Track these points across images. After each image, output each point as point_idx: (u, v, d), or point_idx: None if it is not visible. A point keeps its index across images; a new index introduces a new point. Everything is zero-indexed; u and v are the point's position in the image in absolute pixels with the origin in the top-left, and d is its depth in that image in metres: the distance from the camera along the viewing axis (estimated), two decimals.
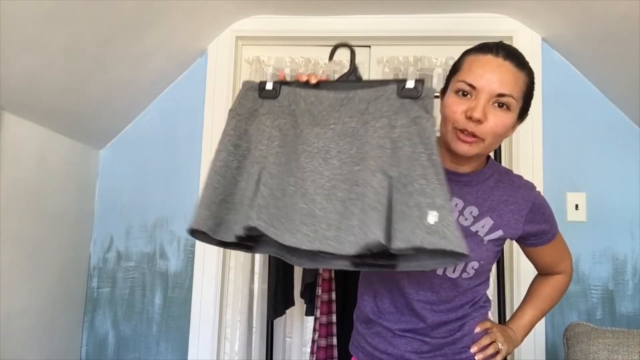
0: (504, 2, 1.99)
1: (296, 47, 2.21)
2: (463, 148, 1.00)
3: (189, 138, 2.16)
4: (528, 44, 2.08)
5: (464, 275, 1.06)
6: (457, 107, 0.99)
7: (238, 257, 2.14)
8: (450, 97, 1.02)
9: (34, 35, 1.48)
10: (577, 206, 2.01)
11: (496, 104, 0.98)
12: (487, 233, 1.08)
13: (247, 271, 2.13)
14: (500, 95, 0.97)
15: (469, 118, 0.96)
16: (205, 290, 2.07)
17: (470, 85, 0.98)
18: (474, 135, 0.98)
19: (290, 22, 2.14)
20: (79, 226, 2.09)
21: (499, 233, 1.08)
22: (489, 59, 1.00)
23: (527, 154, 2.03)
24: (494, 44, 1.02)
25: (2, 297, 1.64)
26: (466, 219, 1.07)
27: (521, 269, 1.98)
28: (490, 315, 1.23)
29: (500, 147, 1.81)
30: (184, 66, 2.19)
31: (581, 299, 1.98)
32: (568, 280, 1.28)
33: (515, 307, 1.96)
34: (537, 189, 1.15)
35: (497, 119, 0.98)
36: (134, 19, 1.71)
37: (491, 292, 2.03)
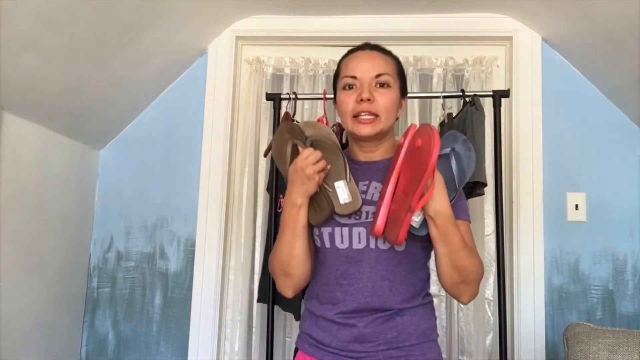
0: (504, 2, 1.99)
1: (296, 47, 2.21)
2: (365, 129, 1.14)
3: (189, 138, 2.16)
4: (528, 44, 2.08)
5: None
6: (348, 98, 1.15)
7: (238, 257, 2.14)
8: (340, 95, 1.18)
9: (34, 35, 1.48)
10: (577, 206, 2.01)
11: (378, 85, 1.14)
12: None
13: (247, 271, 2.13)
14: (378, 75, 1.14)
15: (361, 101, 1.12)
16: (205, 290, 2.07)
17: (352, 77, 1.16)
18: (370, 113, 1.13)
19: (290, 22, 2.14)
20: (79, 226, 2.09)
21: None
22: (359, 53, 1.19)
23: (527, 154, 2.03)
24: (361, 45, 1.22)
25: (2, 297, 1.64)
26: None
27: (521, 269, 1.98)
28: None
29: (500, 146, 1.80)
30: (184, 66, 2.19)
31: (581, 299, 1.98)
32: (479, 259, 1.11)
33: (516, 307, 1.97)
34: None
35: (383, 96, 1.14)
36: (134, 19, 1.71)
37: (491, 291, 2.03)
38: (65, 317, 2.02)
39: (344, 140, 1.96)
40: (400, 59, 2.48)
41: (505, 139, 2.00)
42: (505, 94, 1.82)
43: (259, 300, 1.95)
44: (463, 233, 1.08)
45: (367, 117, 1.13)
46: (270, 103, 1.99)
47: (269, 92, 2.07)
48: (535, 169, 2.02)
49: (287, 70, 2.21)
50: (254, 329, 2.10)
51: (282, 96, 1.94)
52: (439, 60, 2.13)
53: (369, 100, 1.12)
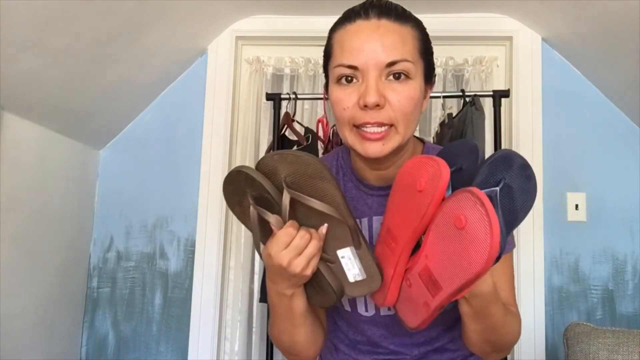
0: (504, 2, 1.99)
1: (296, 47, 2.21)
2: (375, 148, 0.76)
3: (189, 138, 2.16)
4: (528, 44, 2.08)
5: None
6: (346, 99, 0.76)
7: (238, 257, 2.14)
8: (333, 90, 0.79)
9: (34, 35, 1.48)
10: (577, 206, 2.01)
11: (391, 77, 0.75)
12: None
13: (247, 271, 2.13)
14: (391, 64, 0.75)
15: (366, 107, 0.74)
16: (205, 290, 2.07)
17: (350, 67, 0.76)
18: (380, 124, 0.75)
19: (290, 22, 2.14)
20: (79, 226, 2.09)
21: None
22: (359, 25, 0.78)
23: (527, 154, 2.03)
24: (361, 5, 0.80)
25: (2, 297, 1.64)
26: None
27: (521, 268, 1.98)
28: None
29: (500, 146, 1.80)
30: (184, 66, 2.19)
31: (581, 299, 1.97)
32: (520, 321, 0.86)
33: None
34: None
35: (399, 95, 0.75)
36: (134, 19, 1.71)
37: None
38: (65, 317, 2.02)
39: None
40: None
41: (505, 139, 2.00)
42: (505, 94, 1.82)
43: (261, 300, 1.95)
44: (502, 277, 0.83)
45: (375, 130, 0.75)
46: (270, 103, 1.99)
47: (269, 92, 2.06)
48: (535, 169, 2.02)
49: (287, 70, 2.21)
50: (254, 329, 2.10)
51: (282, 96, 1.94)
52: (439, 60, 2.13)
53: (377, 105, 0.74)
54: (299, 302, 0.79)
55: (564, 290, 1.98)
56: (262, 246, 0.78)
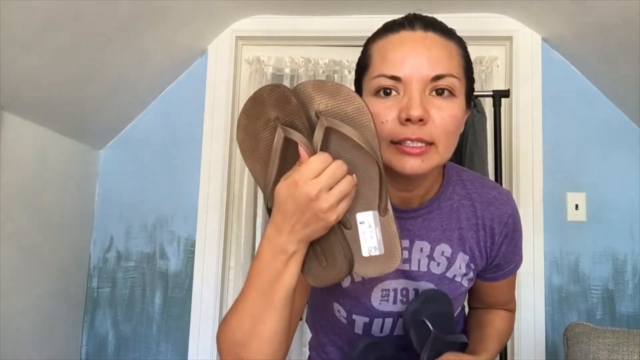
0: (504, 2, 1.98)
1: (296, 47, 2.21)
2: (413, 164, 0.70)
3: (189, 138, 2.16)
4: (528, 44, 2.08)
5: None
6: (386, 112, 0.71)
7: (238, 257, 2.14)
8: (370, 102, 0.72)
9: (34, 35, 1.48)
10: (577, 206, 2.01)
11: (434, 92, 0.71)
12: (466, 274, 0.84)
13: (247, 271, 2.12)
14: (437, 77, 0.71)
15: (407, 121, 0.69)
16: (205, 290, 2.07)
17: (393, 78, 0.71)
18: (421, 140, 0.70)
19: (290, 22, 2.14)
20: (79, 226, 2.09)
21: (471, 268, 0.85)
22: (404, 36, 0.74)
23: (527, 154, 2.03)
24: (404, 17, 0.78)
25: (2, 297, 1.64)
26: (439, 264, 0.82)
27: (521, 268, 1.97)
28: None
29: (500, 146, 1.80)
30: (184, 66, 2.19)
31: (581, 299, 1.97)
32: (514, 318, 1.03)
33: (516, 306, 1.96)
34: (511, 201, 0.87)
35: (442, 112, 0.70)
36: (134, 19, 1.71)
37: None
38: (65, 317, 2.02)
39: None
40: None
41: (505, 139, 2.00)
42: (505, 94, 1.82)
43: None
44: (511, 282, 0.92)
45: (416, 145, 0.70)
46: None
47: None
48: (535, 169, 2.02)
49: (287, 70, 2.21)
50: None
51: None
52: None
53: (421, 120, 0.69)
54: (293, 271, 0.65)
55: (564, 290, 1.98)
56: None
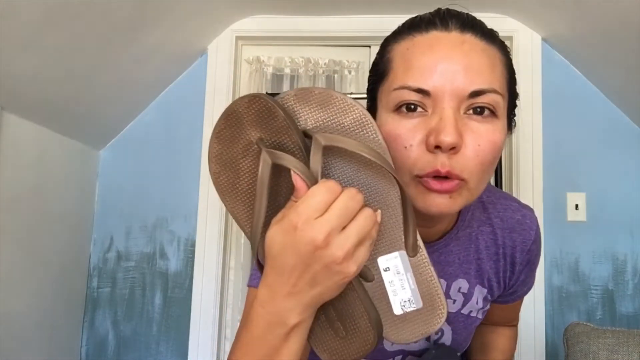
0: (504, 2, 1.98)
1: (296, 47, 2.21)
2: (440, 202, 0.55)
3: (189, 138, 2.16)
4: (528, 44, 2.08)
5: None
6: (409, 135, 0.55)
7: (238, 257, 2.14)
8: (388, 121, 0.57)
9: (34, 35, 1.48)
10: (577, 206, 2.01)
11: (471, 111, 0.55)
12: (482, 308, 0.77)
13: (247, 271, 2.13)
14: (476, 93, 0.55)
15: (437, 148, 0.53)
16: (205, 290, 2.07)
17: (419, 91, 0.55)
18: (452, 175, 0.54)
19: (290, 22, 2.14)
20: (79, 226, 2.09)
21: (488, 300, 0.78)
22: (436, 37, 0.57)
23: (527, 154, 2.03)
24: (435, 12, 0.60)
25: (2, 297, 1.64)
26: (454, 302, 0.73)
27: None
28: None
29: None
30: (184, 66, 2.19)
31: (581, 299, 1.97)
32: (517, 332, 0.99)
33: None
34: (535, 224, 0.77)
35: (480, 138, 0.55)
36: (134, 19, 1.71)
37: None
38: (65, 317, 2.02)
39: None
40: None
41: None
42: None
43: None
44: (519, 302, 0.87)
45: (444, 181, 0.55)
46: None
47: (269, 92, 2.06)
48: (535, 169, 2.02)
49: (287, 70, 2.21)
50: None
51: None
52: None
53: (453, 148, 0.53)
54: (294, 348, 0.48)
55: (564, 290, 1.98)
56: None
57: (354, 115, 0.48)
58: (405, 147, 0.55)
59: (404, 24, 0.62)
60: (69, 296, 2.03)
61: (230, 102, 2.16)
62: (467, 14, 0.59)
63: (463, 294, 0.72)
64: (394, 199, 0.48)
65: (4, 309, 1.65)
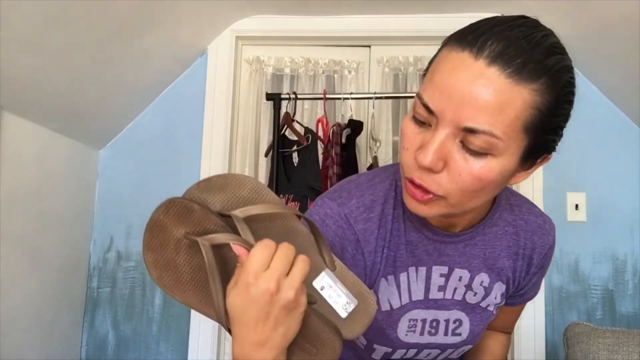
0: (503, 2, 1.98)
1: (296, 47, 2.21)
2: (416, 207, 0.62)
3: (189, 138, 2.16)
4: None
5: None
6: (410, 140, 0.60)
7: None
8: (406, 119, 0.62)
9: (34, 35, 1.48)
10: (577, 206, 2.01)
11: (462, 144, 0.58)
12: (499, 303, 0.81)
13: None
14: (470, 130, 0.56)
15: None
16: None
17: (426, 107, 0.58)
18: (425, 191, 0.60)
19: (290, 22, 2.14)
20: (79, 226, 2.09)
21: (504, 297, 0.82)
22: (462, 60, 0.57)
23: None
24: (484, 29, 0.58)
25: (2, 297, 1.64)
26: (475, 294, 0.78)
27: None
28: None
29: None
30: (184, 66, 2.19)
31: (581, 299, 1.97)
32: (510, 340, 1.01)
33: None
34: (553, 231, 0.83)
35: (463, 169, 0.57)
36: (134, 19, 1.71)
37: None
38: (65, 317, 2.02)
39: (343, 140, 1.95)
40: (400, 59, 2.45)
41: None
42: None
43: None
44: (522, 307, 0.89)
45: (419, 189, 0.60)
46: (270, 103, 1.99)
47: (269, 92, 2.06)
48: None
49: (287, 70, 2.21)
50: None
51: (282, 96, 1.94)
52: None
53: (429, 169, 0.58)
54: None
55: (564, 290, 1.98)
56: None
57: (250, 187, 0.58)
58: (405, 148, 0.61)
59: (462, 30, 0.61)
60: (69, 296, 2.03)
61: (230, 101, 2.17)
62: (511, 47, 0.56)
63: (484, 287, 0.77)
64: (304, 230, 0.59)
65: (4, 309, 1.65)
